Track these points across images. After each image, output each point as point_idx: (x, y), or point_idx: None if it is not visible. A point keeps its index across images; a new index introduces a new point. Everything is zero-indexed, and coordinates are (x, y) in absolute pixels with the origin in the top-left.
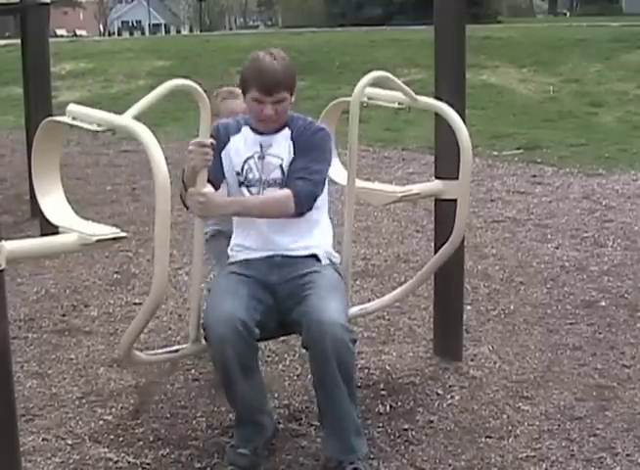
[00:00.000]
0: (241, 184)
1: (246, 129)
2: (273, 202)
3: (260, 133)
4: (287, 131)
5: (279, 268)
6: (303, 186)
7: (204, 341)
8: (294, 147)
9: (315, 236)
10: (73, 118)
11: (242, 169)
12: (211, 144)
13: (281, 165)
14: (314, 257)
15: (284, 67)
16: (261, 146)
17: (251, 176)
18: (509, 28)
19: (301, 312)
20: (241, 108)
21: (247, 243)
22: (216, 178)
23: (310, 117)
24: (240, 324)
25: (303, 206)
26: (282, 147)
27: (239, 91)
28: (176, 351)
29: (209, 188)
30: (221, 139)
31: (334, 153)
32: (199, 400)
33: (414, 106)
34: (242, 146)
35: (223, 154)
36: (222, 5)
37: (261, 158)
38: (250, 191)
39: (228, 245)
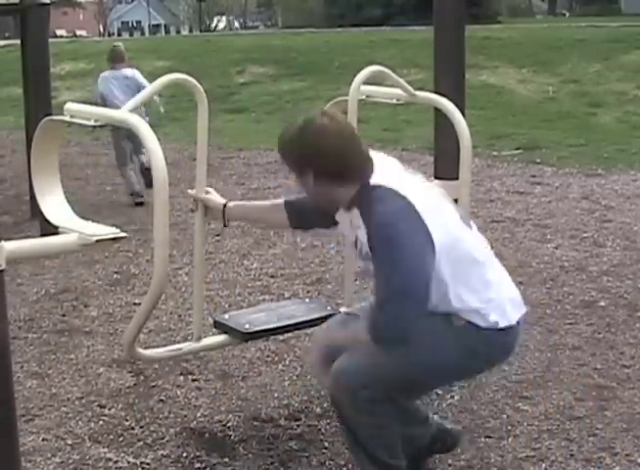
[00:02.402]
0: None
1: None
2: None
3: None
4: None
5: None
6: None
7: (205, 340)
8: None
9: None
10: (72, 116)
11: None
12: None
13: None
14: None
15: (292, 144)
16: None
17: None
18: (508, 29)
19: None
20: None
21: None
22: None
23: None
24: None
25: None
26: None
27: None
28: (179, 349)
29: None
30: None
31: None
32: (199, 401)
33: (413, 101)
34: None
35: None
36: (222, 5)
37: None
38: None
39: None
